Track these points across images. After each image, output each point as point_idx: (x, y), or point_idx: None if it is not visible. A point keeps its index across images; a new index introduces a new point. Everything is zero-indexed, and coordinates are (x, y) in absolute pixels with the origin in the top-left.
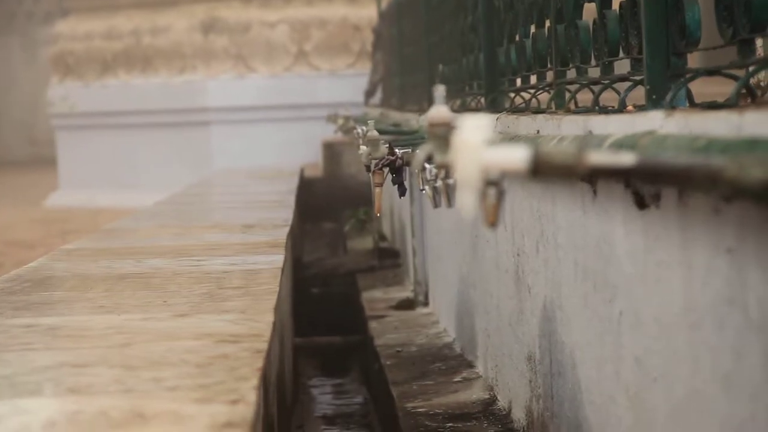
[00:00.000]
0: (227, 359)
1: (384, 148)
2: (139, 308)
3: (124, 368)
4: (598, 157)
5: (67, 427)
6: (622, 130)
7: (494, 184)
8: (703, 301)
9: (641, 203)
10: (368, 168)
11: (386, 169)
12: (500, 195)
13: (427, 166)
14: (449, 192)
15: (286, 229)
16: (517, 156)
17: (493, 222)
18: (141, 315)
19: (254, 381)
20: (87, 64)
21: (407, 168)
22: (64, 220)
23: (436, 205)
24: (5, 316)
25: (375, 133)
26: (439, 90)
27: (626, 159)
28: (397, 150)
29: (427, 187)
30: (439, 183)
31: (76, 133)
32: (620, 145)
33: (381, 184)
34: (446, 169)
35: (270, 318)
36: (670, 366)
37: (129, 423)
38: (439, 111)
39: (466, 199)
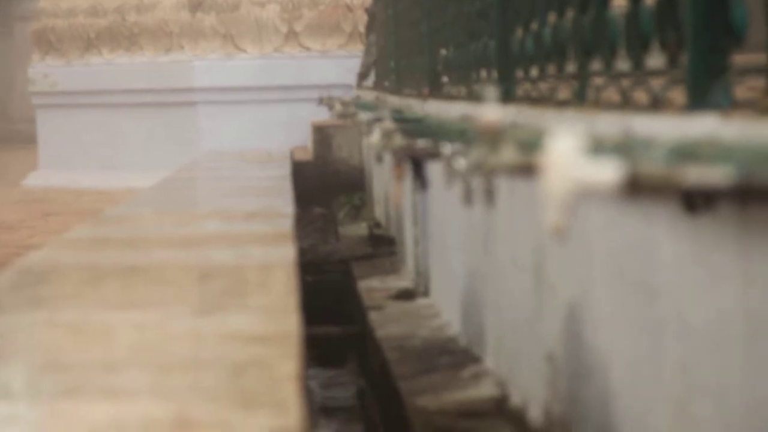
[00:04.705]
0: (261, 361)
1: (400, 139)
2: (158, 305)
3: (156, 370)
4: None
5: None
6: (671, 131)
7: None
8: (763, 311)
9: (692, 205)
10: (379, 157)
11: (406, 161)
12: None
13: (458, 161)
14: (489, 192)
15: (290, 219)
16: (610, 175)
17: (561, 232)
18: (161, 312)
19: (295, 384)
20: (70, 42)
21: (427, 160)
22: (46, 201)
23: (468, 202)
24: (21, 311)
25: (389, 123)
26: (491, 92)
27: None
28: (417, 141)
29: (458, 183)
30: (476, 182)
31: (58, 111)
32: (678, 153)
33: (401, 176)
34: (492, 172)
35: (296, 317)
36: (723, 377)
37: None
38: (490, 113)
39: (552, 215)
